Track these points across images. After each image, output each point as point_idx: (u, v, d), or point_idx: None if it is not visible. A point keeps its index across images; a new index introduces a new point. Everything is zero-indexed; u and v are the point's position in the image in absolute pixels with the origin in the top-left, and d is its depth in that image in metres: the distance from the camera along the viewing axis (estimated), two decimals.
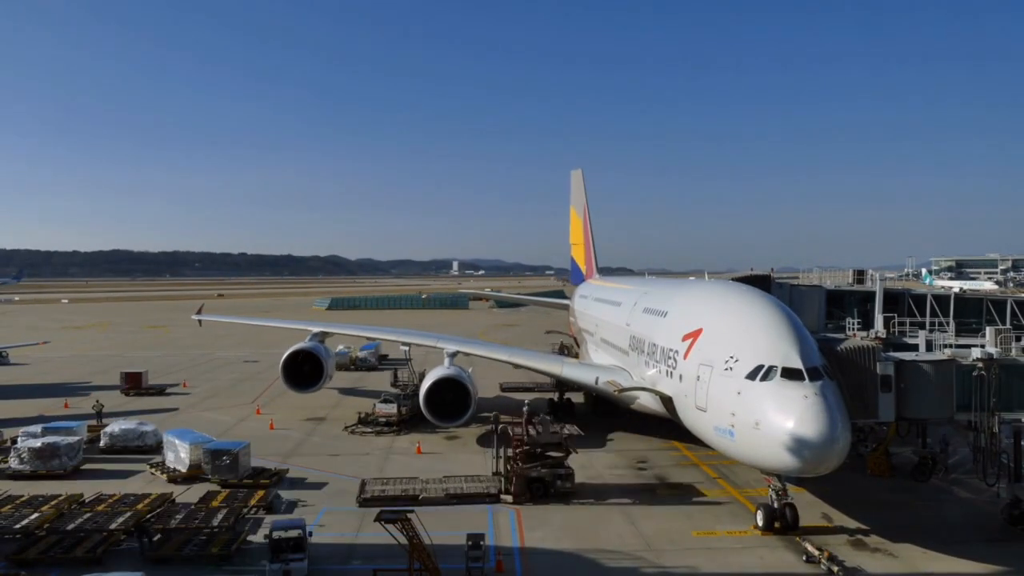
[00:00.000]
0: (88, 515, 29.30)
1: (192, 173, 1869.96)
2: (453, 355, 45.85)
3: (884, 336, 31.84)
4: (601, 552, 26.49)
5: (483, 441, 43.52)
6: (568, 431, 34.10)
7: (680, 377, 31.88)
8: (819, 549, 25.78)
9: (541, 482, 32.24)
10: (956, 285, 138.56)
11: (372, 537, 26.39)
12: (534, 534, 28.30)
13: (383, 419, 46.93)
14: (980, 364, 29.15)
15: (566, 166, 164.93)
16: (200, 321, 71.75)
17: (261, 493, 32.81)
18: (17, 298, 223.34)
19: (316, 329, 54.55)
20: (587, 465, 37.18)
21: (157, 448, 39.97)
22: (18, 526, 28.05)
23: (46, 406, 54.82)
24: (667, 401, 33.88)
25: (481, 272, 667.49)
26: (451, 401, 42.46)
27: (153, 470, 37.18)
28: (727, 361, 28.13)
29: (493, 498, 32.24)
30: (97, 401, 50.31)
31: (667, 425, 37.45)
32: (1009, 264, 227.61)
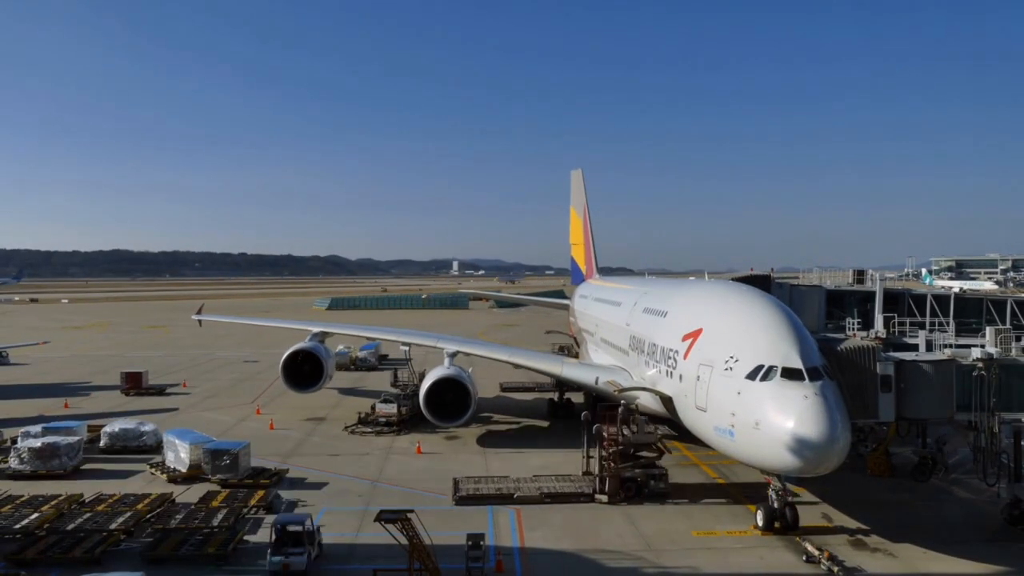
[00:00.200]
0: (88, 515, 29.30)
1: (192, 173, 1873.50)
2: (453, 355, 45.81)
3: (884, 336, 31.83)
4: (601, 552, 26.47)
5: (483, 441, 43.56)
6: (662, 432, 34.00)
7: (680, 377, 31.87)
8: (819, 549, 25.77)
9: (634, 482, 32.29)
10: (956, 285, 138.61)
11: (372, 537, 26.39)
12: (534, 534, 28.31)
13: (383, 419, 46.94)
14: (980, 364, 29.13)
15: (566, 166, 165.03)
16: (200, 321, 71.74)
17: (261, 493, 32.80)
18: (17, 298, 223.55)
19: (316, 329, 54.52)
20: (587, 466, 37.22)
21: (157, 448, 39.95)
22: (18, 526, 28.04)
23: (46, 406, 54.80)
24: (667, 401, 33.87)
25: (481, 272, 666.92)
26: (451, 401, 42.41)
27: (153, 470, 37.15)
28: (727, 361, 28.12)
29: (588, 498, 32.19)
30: None
31: (667, 425, 37.39)
32: (1009, 264, 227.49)
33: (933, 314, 37.71)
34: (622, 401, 35.88)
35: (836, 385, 27.10)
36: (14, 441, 38.99)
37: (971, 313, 39.80)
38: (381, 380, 62.27)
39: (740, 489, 33.46)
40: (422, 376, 48.59)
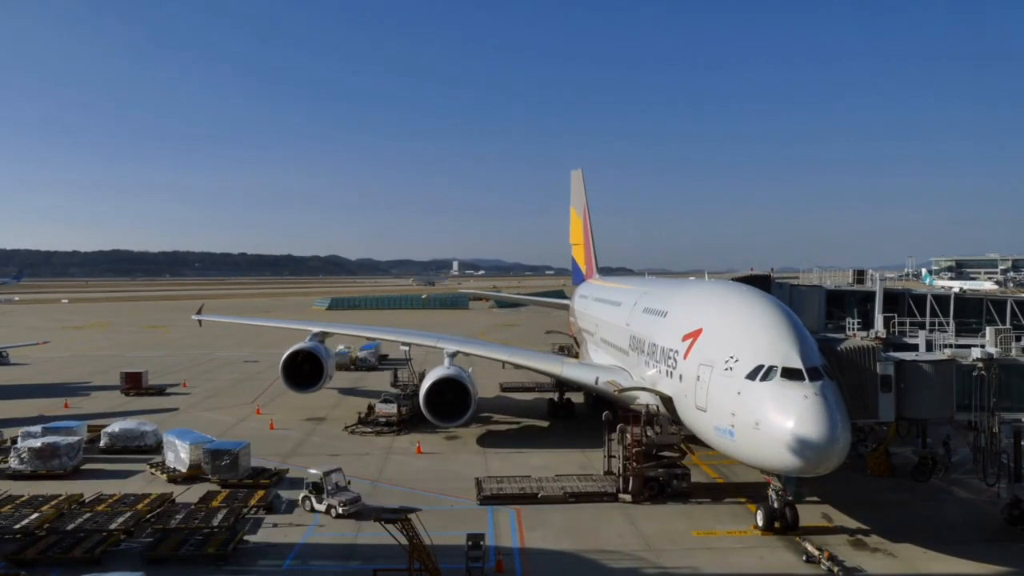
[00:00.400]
0: (88, 515, 29.31)
1: (192, 173, 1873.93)
2: (453, 355, 45.82)
3: (884, 336, 31.83)
4: (601, 552, 26.47)
5: (483, 441, 43.56)
6: (685, 432, 34.06)
7: (680, 377, 31.87)
8: (819, 549, 25.78)
9: (657, 482, 32.37)
10: (956, 285, 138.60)
11: (372, 537, 26.42)
12: (534, 534, 28.30)
13: (383, 419, 46.95)
14: (980, 364, 29.14)
15: (566, 166, 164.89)
16: (200, 321, 71.74)
17: (261, 493, 32.80)
18: (17, 298, 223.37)
19: (316, 329, 54.54)
20: (587, 466, 37.30)
21: (157, 448, 39.96)
22: (18, 526, 28.08)
23: (46, 406, 54.82)
24: (667, 401, 33.85)
25: (481, 272, 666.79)
26: (451, 401, 42.41)
27: (153, 470, 37.16)
28: (727, 361, 28.12)
29: (611, 497, 32.31)
30: None
31: None
32: (1009, 264, 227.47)
33: (933, 314, 37.69)
34: (645, 405, 35.73)
35: (836, 385, 27.09)
36: (14, 441, 39.02)
37: (971, 313, 39.77)
38: (381, 380, 62.26)
39: (740, 489, 33.47)
40: (422, 376, 48.60)
